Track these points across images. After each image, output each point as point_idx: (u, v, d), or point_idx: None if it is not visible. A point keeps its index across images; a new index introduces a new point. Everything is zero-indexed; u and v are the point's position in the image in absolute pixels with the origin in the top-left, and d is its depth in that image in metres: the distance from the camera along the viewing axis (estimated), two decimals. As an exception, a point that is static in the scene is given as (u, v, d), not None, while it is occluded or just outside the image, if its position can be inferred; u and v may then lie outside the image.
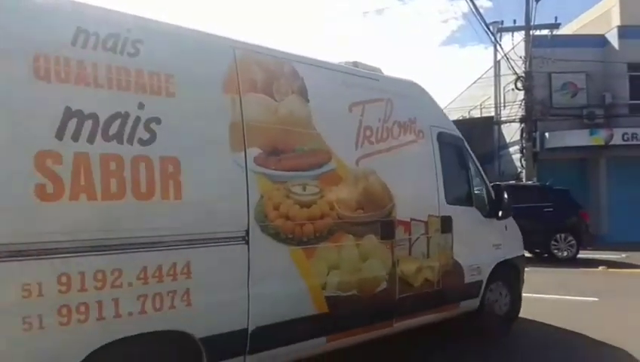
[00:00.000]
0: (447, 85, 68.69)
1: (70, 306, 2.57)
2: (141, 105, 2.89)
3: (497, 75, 21.19)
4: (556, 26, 17.97)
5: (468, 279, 5.04)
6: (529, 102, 16.86)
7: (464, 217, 5.03)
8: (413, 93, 4.87)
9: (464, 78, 66.43)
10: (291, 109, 3.66)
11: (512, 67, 16.54)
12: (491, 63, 22.22)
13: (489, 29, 15.86)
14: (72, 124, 2.63)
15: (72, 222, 2.63)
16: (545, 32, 17.58)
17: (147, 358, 2.88)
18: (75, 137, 2.64)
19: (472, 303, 5.22)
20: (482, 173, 5.57)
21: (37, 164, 2.51)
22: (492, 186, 5.64)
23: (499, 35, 17.45)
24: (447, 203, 4.83)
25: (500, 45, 17.44)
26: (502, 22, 17.95)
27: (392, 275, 4.23)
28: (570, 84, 18.34)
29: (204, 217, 3.12)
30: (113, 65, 2.83)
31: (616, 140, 17.01)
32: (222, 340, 3.13)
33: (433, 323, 4.90)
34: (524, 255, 6.26)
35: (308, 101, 3.77)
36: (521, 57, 16.56)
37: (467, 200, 5.25)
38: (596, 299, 7.63)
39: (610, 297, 7.78)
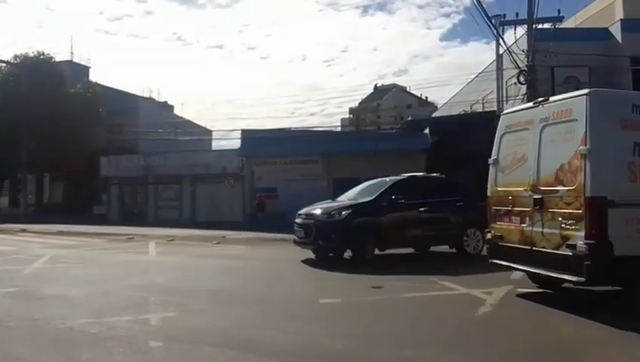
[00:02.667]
0: (449, 79, 68.37)
1: (630, 232, 5.77)
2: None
3: (500, 69, 21.10)
4: (559, 19, 17.83)
5: None
6: (531, 97, 16.70)
7: None
8: None
9: (466, 72, 66.19)
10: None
11: (515, 61, 16.37)
12: (493, 57, 22.13)
13: (491, 22, 15.76)
14: (637, 149, 5.92)
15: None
16: (547, 25, 17.47)
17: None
18: (637, 154, 5.91)
19: None
20: None
21: (628, 167, 5.86)
22: None
23: (501, 28, 17.28)
24: None
25: (502, 39, 17.27)
26: (504, 15, 17.78)
27: None
28: (572, 77, 18.27)
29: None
30: None
31: (619, 134, 16.93)
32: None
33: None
34: None
35: None
36: (523, 51, 16.36)
37: None
38: None
39: None
